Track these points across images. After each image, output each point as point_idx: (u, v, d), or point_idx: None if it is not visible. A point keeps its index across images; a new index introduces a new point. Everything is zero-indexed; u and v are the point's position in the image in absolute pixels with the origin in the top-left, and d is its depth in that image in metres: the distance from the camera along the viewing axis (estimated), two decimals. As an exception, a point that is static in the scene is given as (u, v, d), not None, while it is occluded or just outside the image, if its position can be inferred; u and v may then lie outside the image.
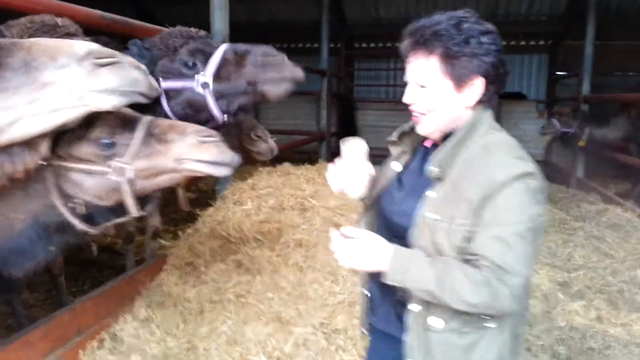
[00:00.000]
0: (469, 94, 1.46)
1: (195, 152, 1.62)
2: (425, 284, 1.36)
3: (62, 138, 1.59)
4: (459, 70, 1.43)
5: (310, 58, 11.07)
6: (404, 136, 1.71)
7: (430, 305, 1.43)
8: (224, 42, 4.59)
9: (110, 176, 1.60)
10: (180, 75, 2.21)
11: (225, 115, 2.29)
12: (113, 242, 5.37)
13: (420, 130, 1.55)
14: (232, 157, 1.67)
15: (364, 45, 12.79)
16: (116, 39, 4.20)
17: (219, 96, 2.22)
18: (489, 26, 1.51)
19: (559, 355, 3.23)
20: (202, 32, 2.51)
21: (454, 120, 1.50)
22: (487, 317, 1.42)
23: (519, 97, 11.69)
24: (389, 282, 1.42)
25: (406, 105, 1.58)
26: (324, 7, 9.95)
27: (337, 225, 4.61)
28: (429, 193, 1.47)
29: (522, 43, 11.94)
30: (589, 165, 9.11)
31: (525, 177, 1.39)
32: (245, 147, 3.72)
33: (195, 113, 2.27)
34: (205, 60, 2.20)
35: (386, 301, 1.64)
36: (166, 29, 3.84)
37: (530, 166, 1.44)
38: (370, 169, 1.67)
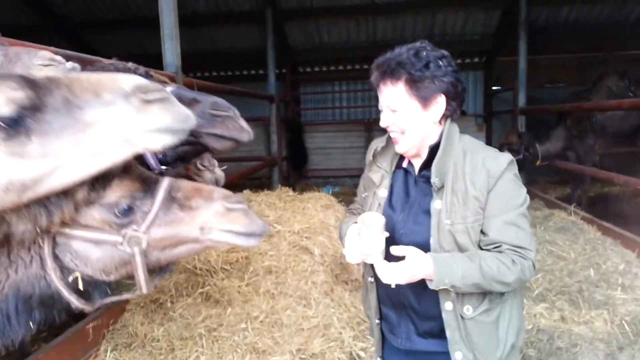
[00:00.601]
0: (435, 111, 1.68)
1: (223, 222, 1.42)
2: (470, 279, 1.56)
3: (67, 202, 1.32)
4: (423, 92, 1.64)
5: (257, 84, 11.12)
6: (378, 157, 1.86)
7: (459, 298, 1.65)
8: (176, 73, 4.57)
9: (123, 247, 1.38)
10: None
11: (162, 166, 2.13)
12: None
13: (399, 149, 1.75)
14: (262, 226, 1.48)
15: (308, 69, 12.99)
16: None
17: None
18: (444, 52, 1.73)
19: (530, 358, 3.35)
20: (141, 69, 2.35)
21: (426, 137, 1.73)
22: (503, 293, 1.67)
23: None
24: (435, 287, 1.58)
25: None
26: (268, 34, 10.06)
27: (305, 249, 4.59)
28: (435, 204, 1.66)
29: (458, 61, 12.49)
30: (529, 172, 9.61)
31: (511, 166, 1.65)
32: (191, 176, 3.58)
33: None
34: None
35: (403, 320, 1.80)
36: (122, 62, 3.80)
37: (508, 156, 1.69)
38: (385, 235, 1.69)
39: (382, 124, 1.74)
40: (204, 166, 3.49)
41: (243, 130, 2.23)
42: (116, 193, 1.37)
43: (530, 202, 6.69)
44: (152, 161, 2.11)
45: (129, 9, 10.80)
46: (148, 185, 1.43)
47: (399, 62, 1.66)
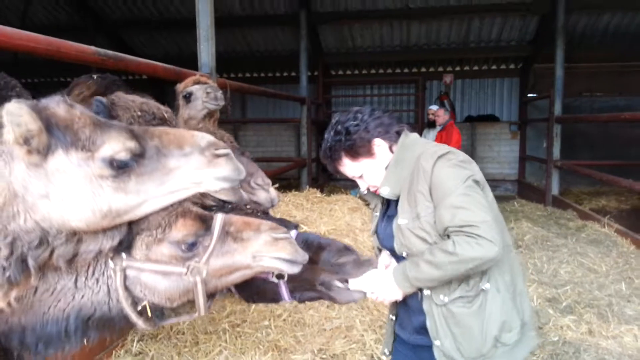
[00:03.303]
0: (380, 150, 1.92)
1: (272, 250, 1.64)
2: (425, 275, 1.71)
3: (138, 239, 1.58)
4: (361, 150, 1.91)
5: (289, 86, 11.23)
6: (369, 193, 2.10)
7: (433, 290, 1.78)
8: (210, 74, 4.67)
9: (186, 277, 1.57)
10: None
11: None
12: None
13: (381, 194, 1.96)
14: (304, 255, 1.69)
15: (340, 72, 13.05)
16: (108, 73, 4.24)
17: None
18: (353, 109, 1.97)
19: (555, 370, 3.29)
20: (167, 112, 2.40)
21: None
22: (483, 281, 1.74)
23: (492, 119, 12.05)
24: (407, 292, 1.78)
25: None
26: (301, 37, 10.16)
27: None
28: (390, 212, 1.93)
29: (494, 67, 12.36)
30: (564, 182, 9.41)
31: (446, 155, 1.76)
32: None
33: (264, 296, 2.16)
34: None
35: (406, 316, 1.96)
36: (157, 63, 3.92)
37: (447, 148, 1.82)
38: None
39: (362, 190, 2.03)
40: (258, 184, 3.30)
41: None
42: (182, 232, 1.58)
43: (563, 212, 6.62)
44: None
45: (167, 10, 11.06)
46: (206, 223, 1.63)
47: (330, 148, 1.95)
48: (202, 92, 3.58)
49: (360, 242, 4.64)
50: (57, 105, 1.36)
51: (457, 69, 12.27)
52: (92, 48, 2.90)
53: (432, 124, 8.40)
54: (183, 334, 3.59)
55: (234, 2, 10.58)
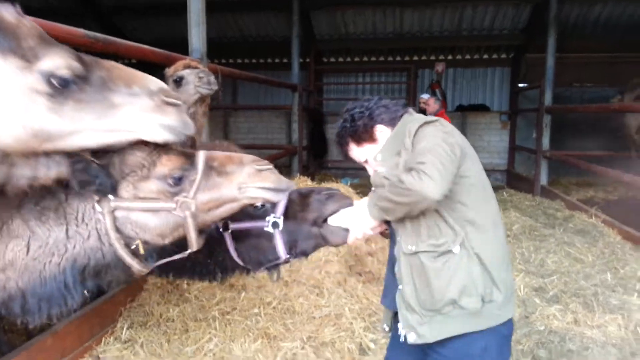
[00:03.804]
0: (382, 136, 2.02)
1: (256, 180, 1.67)
2: (384, 203, 1.80)
3: (123, 181, 1.58)
4: (364, 135, 2.02)
5: (280, 72, 11.15)
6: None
7: (404, 235, 1.88)
8: (201, 59, 4.62)
9: (176, 212, 1.59)
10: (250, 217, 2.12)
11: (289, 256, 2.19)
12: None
13: (376, 160, 2.04)
14: (287, 183, 1.73)
15: (332, 60, 12.96)
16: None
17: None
18: (359, 102, 2.09)
19: (540, 359, 3.34)
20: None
21: None
22: (453, 242, 1.79)
23: (482, 108, 12.08)
24: (376, 218, 1.90)
25: None
26: (293, 23, 10.06)
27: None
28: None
29: (485, 57, 12.35)
30: (552, 172, 9.48)
31: (433, 122, 1.86)
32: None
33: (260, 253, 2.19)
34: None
35: (394, 286, 2.01)
36: (147, 47, 3.86)
37: (436, 119, 1.91)
38: None
39: (371, 174, 2.05)
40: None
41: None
42: (168, 166, 1.61)
43: (552, 203, 6.67)
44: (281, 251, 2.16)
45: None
46: (190, 159, 1.65)
47: (338, 134, 2.09)
48: (194, 77, 3.52)
49: (351, 231, 4.65)
50: (4, 9, 1.30)
51: (449, 57, 12.24)
52: (81, 31, 2.85)
53: (423, 113, 8.41)
54: (173, 321, 3.59)
55: (226, -14, 10.44)
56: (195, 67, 3.61)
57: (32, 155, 1.38)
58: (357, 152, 2.07)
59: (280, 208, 2.10)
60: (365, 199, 1.97)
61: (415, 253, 1.85)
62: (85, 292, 1.64)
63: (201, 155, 1.66)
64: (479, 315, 1.82)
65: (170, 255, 1.75)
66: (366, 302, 3.97)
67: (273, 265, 2.23)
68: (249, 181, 1.66)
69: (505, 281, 1.87)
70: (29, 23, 1.33)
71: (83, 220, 1.60)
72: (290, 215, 2.11)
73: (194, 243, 1.65)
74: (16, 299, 1.59)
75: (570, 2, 10.02)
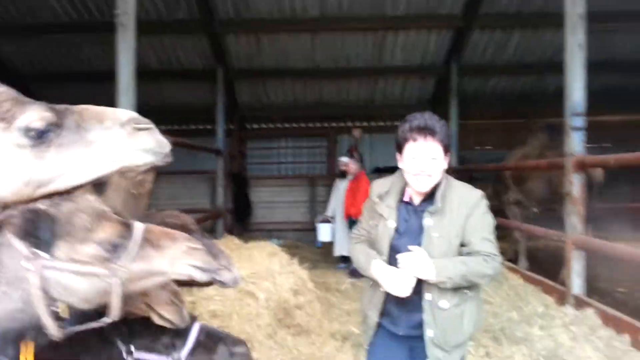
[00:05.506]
0: (447, 158, 2.34)
1: (187, 257, 1.70)
2: (458, 273, 2.16)
3: (62, 241, 1.56)
4: (446, 147, 2.32)
5: (206, 138, 11.38)
6: (385, 197, 2.46)
7: (439, 293, 2.22)
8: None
9: (108, 279, 1.58)
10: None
11: None
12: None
13: (423, 188, 2.33)
14: (217, 266, 1.77)
15: (255, 126, 13.44)
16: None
17: None
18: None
19: (458, 391, 3.63)
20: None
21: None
22: (467, 291, 2.25)
23: (395, 170, 12.87)
24: (436, 280, 2.16)
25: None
26: (218, 91, 10.49)
27: (250, 293, 4.73)
28: (426, 222, 2.28)
29: (397, 123, 13.28)
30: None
31: (484, 197, 2.34)
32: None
33: None
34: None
35: (403, 313, 2.35)
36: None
37: (480, 191, 2.35)
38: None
39: (422, 168, 2.29)
40: (222, 265, 3.25)
41: None
42: (108, 233, 1.63)
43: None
44: None
45: (81, 62, 10.95)
46: (129, 228, 1.69)
47: (433, 126, 2.31)
48: None
49: (279, 285, 4.84)
50: None
51: (365, 124, 13.14)
52: None
53: (343, 174, 8.89)
54: None
55: (150, 57, 10.72)
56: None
57: (29, 202, 1.51)
58: (436, 148, 2.28)
59: (187, 349, 2.03)
60: (431, 260, 2.18)
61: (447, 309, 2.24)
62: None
63: (139, 227, 1.69)
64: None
65: (89, 322, 1.71)
66: (296, 353, 4.11)
67: None
68: (180, 257, 1.69)
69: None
70: (3, 88, 1.51)
71: (13, 278, 1.52)
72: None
73: (117, 311, 1.62)
74: None
75: (469, 76, 11.31)
